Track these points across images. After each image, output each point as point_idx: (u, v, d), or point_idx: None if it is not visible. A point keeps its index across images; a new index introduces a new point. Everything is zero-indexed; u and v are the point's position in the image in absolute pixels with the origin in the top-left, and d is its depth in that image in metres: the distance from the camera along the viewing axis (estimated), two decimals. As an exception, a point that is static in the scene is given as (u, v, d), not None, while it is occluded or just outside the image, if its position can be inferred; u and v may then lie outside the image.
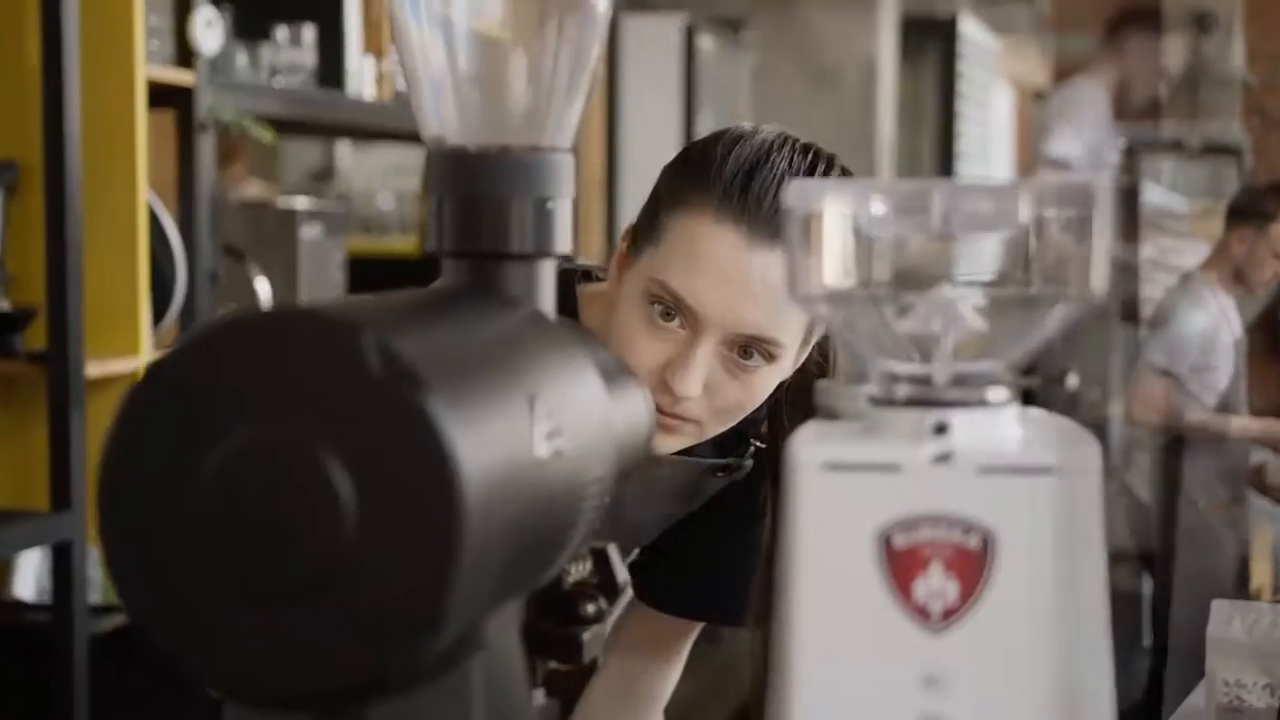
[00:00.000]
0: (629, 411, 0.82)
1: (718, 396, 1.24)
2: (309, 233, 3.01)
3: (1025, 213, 0.67)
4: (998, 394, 0.69)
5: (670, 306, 1.22)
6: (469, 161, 0.77)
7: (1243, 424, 4.37)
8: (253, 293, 2.84)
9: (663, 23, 5.27)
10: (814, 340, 1.31)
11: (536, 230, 0.77)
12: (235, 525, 0.60)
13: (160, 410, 0.61)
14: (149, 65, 2.51)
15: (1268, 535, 5.54)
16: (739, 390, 1.25)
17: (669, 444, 1.27)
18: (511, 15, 0.79)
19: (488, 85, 0.78)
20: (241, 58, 2.86)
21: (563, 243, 0.79)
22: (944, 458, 0.66)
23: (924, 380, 0.69)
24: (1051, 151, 4.26)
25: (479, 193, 0.77)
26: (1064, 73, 9.90)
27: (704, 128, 6.08)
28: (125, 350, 2.42)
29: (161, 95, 2.60)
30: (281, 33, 2.98)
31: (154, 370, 0.61)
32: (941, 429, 0.67)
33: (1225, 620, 1.94)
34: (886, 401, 0.69)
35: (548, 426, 0.67)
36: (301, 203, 3.15)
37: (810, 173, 1.23)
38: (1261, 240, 4.32)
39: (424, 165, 0.79)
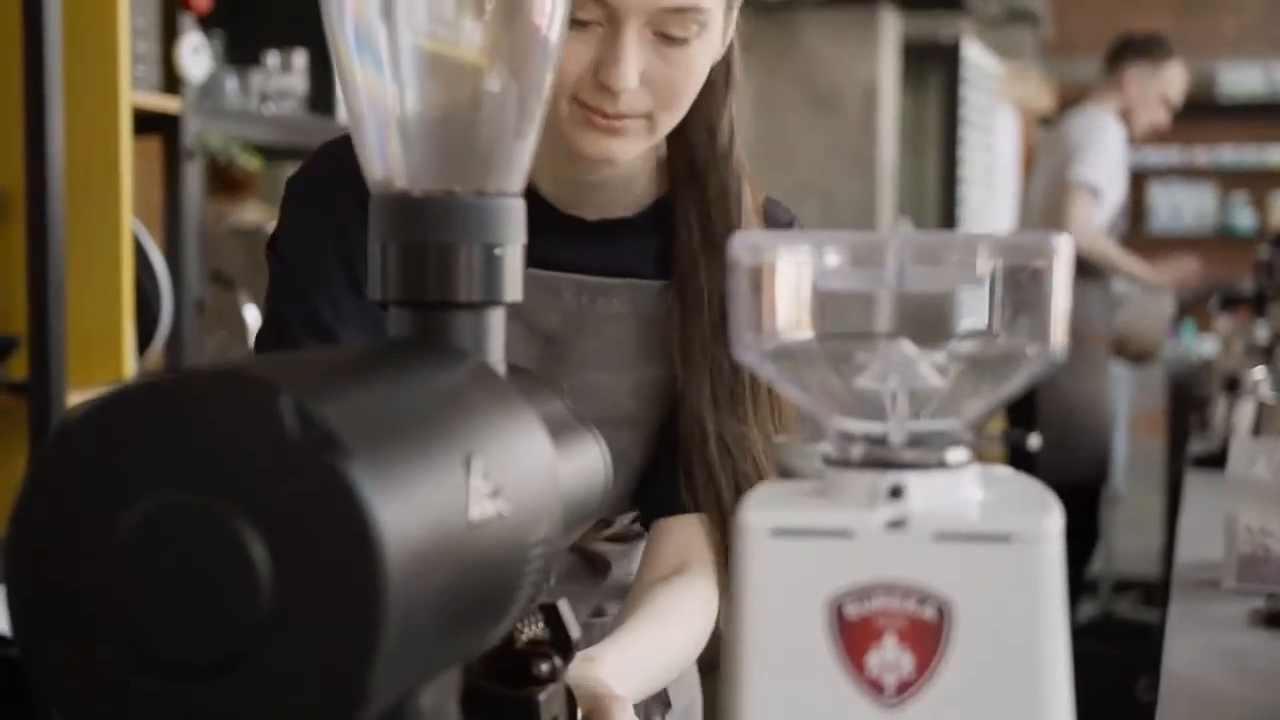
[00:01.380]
0: (579, 465, 0.79)
1: (657, 83, 1.21)
2: (300, 259, 2.98)
3: (983, 267, 0.64)
4: (957, 455, 0.65)
5: (578, 9, 1.17)
6: (414, 206, 0.74)
7: (1142, 269, 4.42)
8: (241, 320, 2.81)
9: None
10: (737, 6, 1.28)
11: (484, 278, 0.75)
12: (147, 594, 0.57)
13: (72, 471, 0.58)
14: (135, 92, 2.48)
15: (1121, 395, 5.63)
16: (677, 72, 1.21)
17: (625, 147, 1.23)
18: (458, 53, 0.76)
19: (434, 126, 0.75)
20: (232, 83, 2.84)
21: (513, 290, 0.76)
22: (898, 524, 0.63)
23: (880, 440, 0.66)
24: (1083, 177, 4.24)
25: (424, 239, 0.74)
26: (1067, 97, 9.91)
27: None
28: (109, 380, 2.38)
29: (148, 122, 2.57)
30: (272, 58, 2.96)
31: (66, 429, 0.58)
32: (896, 492, 0.64)
33: (1247, 459, 1.81)
34: (841, 462, 0.66)
35: (486, 488, 0.64)
36: (293, 229, 3.12)
37: None
38: (1154, 81, 4.31)
39: (370, 209, 0.77)
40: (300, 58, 2.99)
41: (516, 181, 0.77)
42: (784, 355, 0.66)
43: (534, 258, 1.28)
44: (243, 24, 2.91)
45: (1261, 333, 4.23)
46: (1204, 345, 7.59)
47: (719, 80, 1.32)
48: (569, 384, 1.26)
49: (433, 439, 0.62)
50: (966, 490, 0.65)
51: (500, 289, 0.75)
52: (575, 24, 1.18)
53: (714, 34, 1.24)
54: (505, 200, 0.75)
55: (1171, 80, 4.37)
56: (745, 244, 0.66)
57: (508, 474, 0.66)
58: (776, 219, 1.41)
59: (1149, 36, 4.47)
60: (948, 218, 7.15)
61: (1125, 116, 4.41)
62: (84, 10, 2.41)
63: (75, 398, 2.34)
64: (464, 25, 0.77)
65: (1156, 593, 5.16)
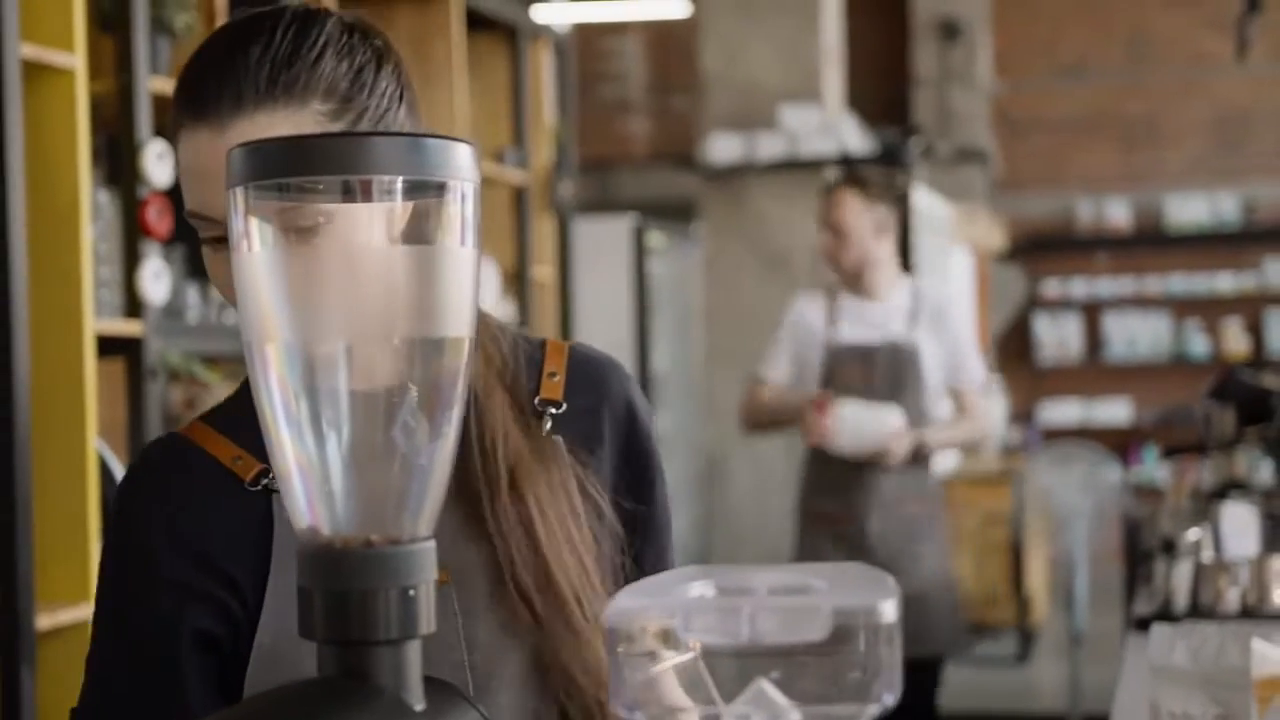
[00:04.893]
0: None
1: None
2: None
3: (823, 628, 0.74)
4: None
5: (209, 229, 1.19)
6: (336, 557, 0.84)
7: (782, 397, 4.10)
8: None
9: (614, 223, 5.44)
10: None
11: (401, 617, 0.84)
12: None
13: None
14: (98, 319, 2.59)
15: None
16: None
17: None
18: (368, 418, 0.86)
19: (353, 484, 0.85)
20: (193, 296, 2.96)
21: (427, 623, 0.85)
22: None
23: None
24: (758, 371, 4.22)
25: (346, 586, 0.84)
26: (1018, 232, 10.13)
27: (657, 320, 6.23)
28: (75, 598, 2.46)
29: (111, 345, 2.68)
30: (231, 269, 3.07)
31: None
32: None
33: (1167, 646, 1.88)
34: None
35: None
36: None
37: (262, 31, 1.20)
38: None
39: (297, 557, 0.86)
40: (258, 266, 3.10)
41: (427, 526, 0.86)
42: (661, 713, 0.76)
43: None
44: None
45: (1207, 477, 4.34)
46: (1161, 471, 7.69)
47: None
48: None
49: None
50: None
51: (416, 625, 0.84)
52: (219, 243, 1.19)
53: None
54: (417, 545, 0.85)
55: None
56: (617, 610, 0.76)
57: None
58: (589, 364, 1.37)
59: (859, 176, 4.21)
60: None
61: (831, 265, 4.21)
62: (49, 239, 2.53)
63: (43, 619, 2.41)
64: (380, 388, 0.87)
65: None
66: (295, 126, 1.19)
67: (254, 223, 0.85)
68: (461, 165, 0.85)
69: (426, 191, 0.85)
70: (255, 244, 0.85)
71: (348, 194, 0.85)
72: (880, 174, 4.20)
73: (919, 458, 4.09)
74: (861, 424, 3.98)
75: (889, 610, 0.74)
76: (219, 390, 3.90)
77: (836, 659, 0.75)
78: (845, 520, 4.09)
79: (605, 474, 1.33)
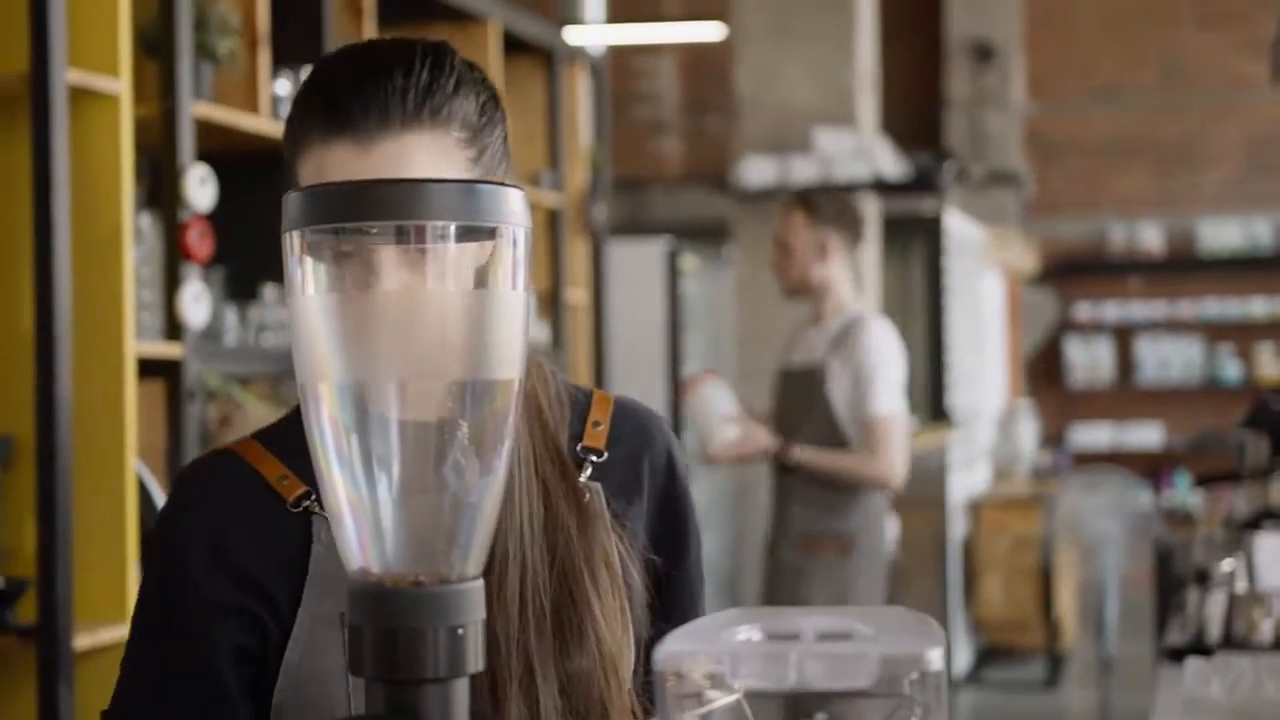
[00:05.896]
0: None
1: None
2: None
3: (870, 674, 0.75)
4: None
5: None
6: (386, 594, 0.85)
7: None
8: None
9: (647, 246, 5.45)
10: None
11: (449, 656, 0.85)
12: None
13: None
14: (139, 341, 2.61)
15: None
16: None
17: None
18: (419, 457, 0.87)
19: (403, 522, 0.87)
20: (231, 318, 2.98)
21: (475, 662, 0.86)
22: None
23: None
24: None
25: (395, 624, 0.85)
26: (1050, 256, 10.11)
27: (690, 342, 6.24)
28: (114, 618, 2.48)
29: (151, 367, 2.70)
30: (270, 292, 3.10)
31: None
32: None
33: (1202, 680, 1.88)
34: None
35: None
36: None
37: (401, 58, 1.21)
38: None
39: (347, 593, 0.87)
40: (296, 288, 3.13)
41: (476, 565, 0.87)
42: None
43: None
44: (242, 261, 3.05)
45: (1241, 506, 4.31)
46: (1193, 497, 7.63)
47: None
48: None
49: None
50: None
51: (464, 664, 0.86)
52: None
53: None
54: (466, 585, 0.86)
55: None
56: (666, 654, 0.77)
57: None
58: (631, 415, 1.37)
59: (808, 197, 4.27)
60: (935, 389, 7.27)
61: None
62: (92, 261, 2.55)
63: (83, 639, 2.43)
64: (430, 428, 0.88)
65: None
66: (440, 150, 1.21)
67: (309, 264, 0.87)
68: (514, 210, 0.86)
69: (479, 236, 0.86)
70: (310, 287, 0.86)
71: (402, 238, 0.86)
72: (835, 200, 4.22)
73: (835, 487, 3.98)
74: (707, 407, 4.13)
75: (936, 658, 0.75)
76: (252, 410, 3.92)
77: (883, 704, 0.76)
78: (773, 544, 4.14)
79: (641, 524, 1.33)
